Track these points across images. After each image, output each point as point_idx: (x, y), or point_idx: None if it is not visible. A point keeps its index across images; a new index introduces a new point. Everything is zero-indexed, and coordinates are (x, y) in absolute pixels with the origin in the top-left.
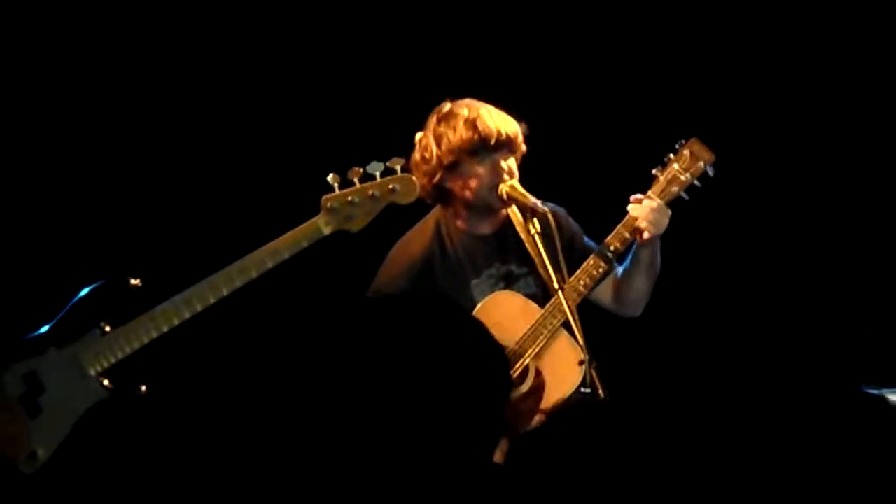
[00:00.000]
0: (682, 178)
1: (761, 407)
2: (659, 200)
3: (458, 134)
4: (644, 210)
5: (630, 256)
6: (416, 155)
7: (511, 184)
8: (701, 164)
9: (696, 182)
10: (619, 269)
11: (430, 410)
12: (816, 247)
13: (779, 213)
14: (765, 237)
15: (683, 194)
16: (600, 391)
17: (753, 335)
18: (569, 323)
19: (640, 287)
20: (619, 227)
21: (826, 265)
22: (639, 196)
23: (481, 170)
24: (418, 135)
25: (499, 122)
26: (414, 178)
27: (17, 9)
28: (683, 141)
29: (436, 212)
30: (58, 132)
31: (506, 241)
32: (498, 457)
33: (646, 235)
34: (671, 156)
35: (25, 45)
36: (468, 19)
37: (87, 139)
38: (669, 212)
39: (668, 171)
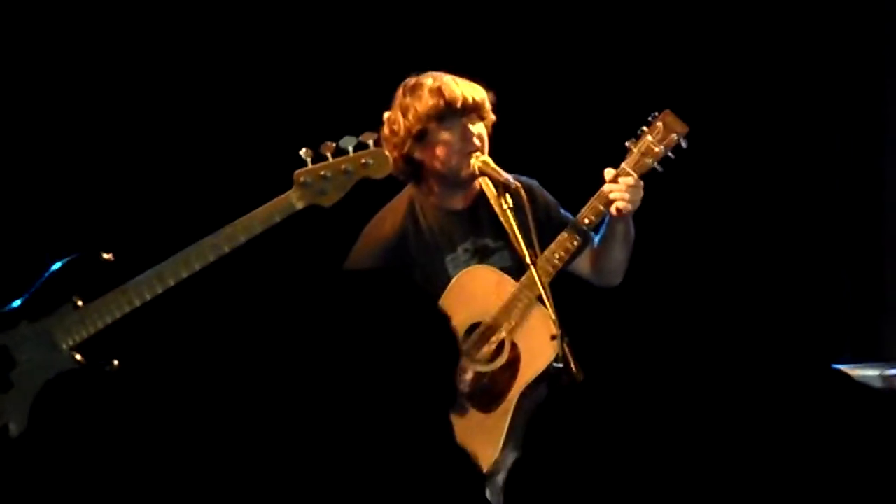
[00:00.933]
0: (656, 149)
1: (732, 385)
2: (634, 176)
3: (423, 101)
4: (620, 186)
5: (604, 228)
6: (385, 129)
7: (483, 159)
8: (674, 135)
9: (669, 154)
10: (596, 239)
11: (382, 384)
12: (791, 221)
13: (752, 189)
14: (739, 213)
15: (657, 166)
16: (573, 366)
17: (728, 311)
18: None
19: (618, 257)
20: (592, 199)
21: (800, 239)
22: (612, 171)
23: (449, 136)
24: (386, 113)
25: (464, 87)
26: (387, 153)
27: (14, 9)
28: (656, 113)
29: (409, 189)
30: (30, 110)
31: (479, 216)
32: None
33: (621, 211)
34: (644, 128)
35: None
36: None
37: (58, 115)
38: (642, 184)
39: (641, 142)
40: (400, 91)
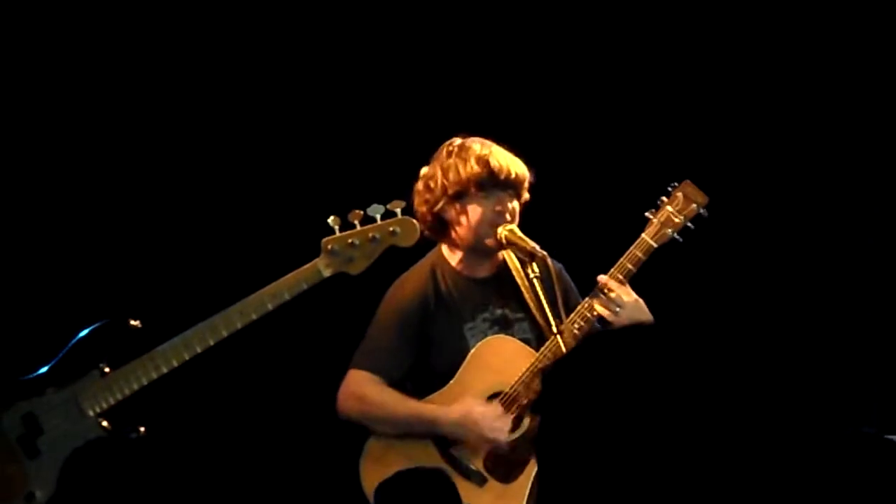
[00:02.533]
0: (676, 220)
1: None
2: (618, 285)
3: (468, 166)
4: (602, 300)
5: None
6: (420, 184)
7: (510, 227)
8: (694, 206)
9: (689, 224)
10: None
11: None
12: (815, 286)
13: (782, 251)
14: (768, 278)
15: (677, 236)
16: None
17: (754, 376)
18: None
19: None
20: (613, 269)
21: (826, 306)
22: (603, 276)
23: (484, 205)
24: (424, 168)
25: (510, 162)
26: (415, 221)
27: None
28: (676, 184)
29: (432, 254)
30: (59, 167)
31: (501, 285)
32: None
33: (614, 325)
34: (664, 198)
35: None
36: (469, 66)
37: (90, 177)
38: (633, 298)
39: (661, 213)
40: (444, 150)
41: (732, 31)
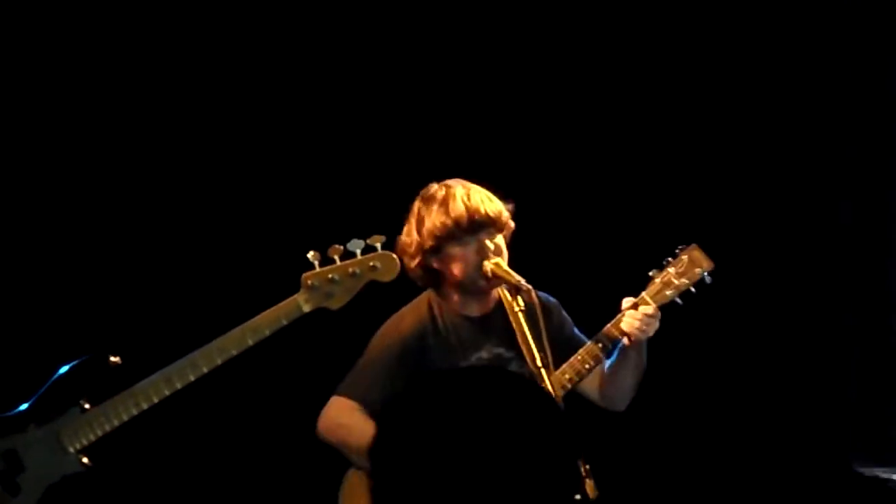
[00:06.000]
0: (677, 282)
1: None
2: (653, 306)
3: (432, 219)
4: (637, 315)
5: (616, 354)
6: (402, 238)
7: (496, 261)
8: (698, 270)
9: (691, 288)
10: (607, 364)
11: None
12: (799, 319)
13: (763, 288)
14: (749, 312)
15: (677, 299)
16: (582, 468)
17: (741, 409)
18: None
19: (626, 384)
20: (609, 325)
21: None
22: (631, 299)
23: (464, 252)
24: (405, 223)
25: (476, 202)
26: (395, 256)
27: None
28: (683, 246)
29: (428, 291)
30: (35, 202)
31: (495, 324)
32: None
33: (634, 340)
34: (669, 259)
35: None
36: (460, 98)
37: (66, 214)
38: (659, 314)
39: (664, 274)
40: (417, 202)
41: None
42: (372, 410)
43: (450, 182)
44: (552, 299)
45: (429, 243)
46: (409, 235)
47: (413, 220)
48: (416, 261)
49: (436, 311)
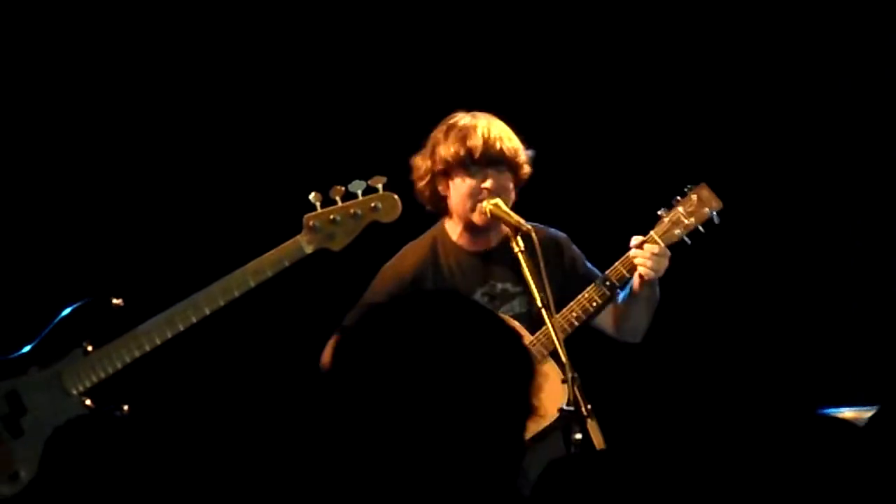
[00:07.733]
0: (686, 222)
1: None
2: (661, 245)
3: (447, 145)
4: (645, 254)
5: (628, 290)
6: (417, 157)
7: (495, 202)
8: (706, 210)
9: (699, 227)
10: (620, 296)
11: (459, 403)
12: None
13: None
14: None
15: (685, 238)
16: (583, 407)
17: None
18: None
19: (639, 319)
20: (617, 263)
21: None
22: (640, 238)
23: (468, 181)
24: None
25: (495, 136)
26: (396, 196)
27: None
28: (692, 185)
29: (435, 227)
30: (36, 151)
31: (501, 259)
32: None
33: (644, 278)
34: (678, 198)
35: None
36: (478, 41)
37: (70, 159)
38: (668, 253)
39: (673, 213)
40: (441, 124)
41: (759, 34)
42: None
43: (477, 113)
44: (562, 234)
45: (439, 166)
46: (424, 156)
47: (431, 142)
48: (425, 181)
49: (439, 248)
